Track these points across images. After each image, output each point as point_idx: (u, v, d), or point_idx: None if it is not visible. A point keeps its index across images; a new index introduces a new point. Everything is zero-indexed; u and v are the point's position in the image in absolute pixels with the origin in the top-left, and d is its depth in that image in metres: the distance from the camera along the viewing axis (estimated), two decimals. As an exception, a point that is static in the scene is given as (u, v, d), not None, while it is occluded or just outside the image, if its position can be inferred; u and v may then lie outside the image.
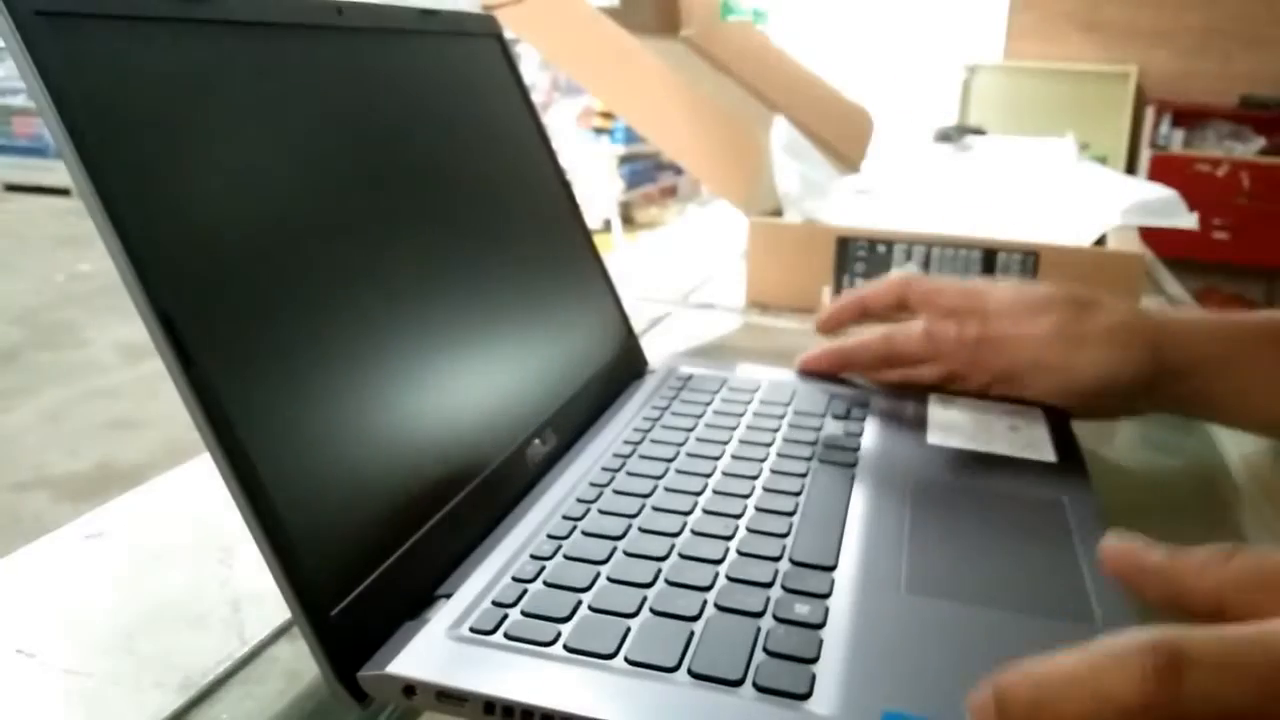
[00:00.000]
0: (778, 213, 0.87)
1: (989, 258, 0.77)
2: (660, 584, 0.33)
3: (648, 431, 0.46)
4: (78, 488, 2.17)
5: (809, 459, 0.43)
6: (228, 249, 0.31)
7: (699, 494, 0.39)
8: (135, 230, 0.28)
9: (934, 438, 0.46)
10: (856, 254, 0.80)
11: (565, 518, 0.37)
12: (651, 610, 0.31)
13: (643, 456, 0.43)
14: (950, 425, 0.47)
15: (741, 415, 0.48)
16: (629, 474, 0.41)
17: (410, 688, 0.28)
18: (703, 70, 1.14)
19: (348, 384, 0.33)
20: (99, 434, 2.44)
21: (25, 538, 0.41)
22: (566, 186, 0.54)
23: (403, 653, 0.29)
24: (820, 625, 0.31)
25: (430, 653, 0.29)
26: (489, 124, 0.50)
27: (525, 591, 0.32)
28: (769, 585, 0.33)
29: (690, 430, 0.46)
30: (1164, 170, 3.31)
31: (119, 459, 2.32)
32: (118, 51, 0.30)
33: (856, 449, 0.44)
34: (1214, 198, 3.26)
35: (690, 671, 0.28)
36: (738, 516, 0.38)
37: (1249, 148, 3.41)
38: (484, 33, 0.52)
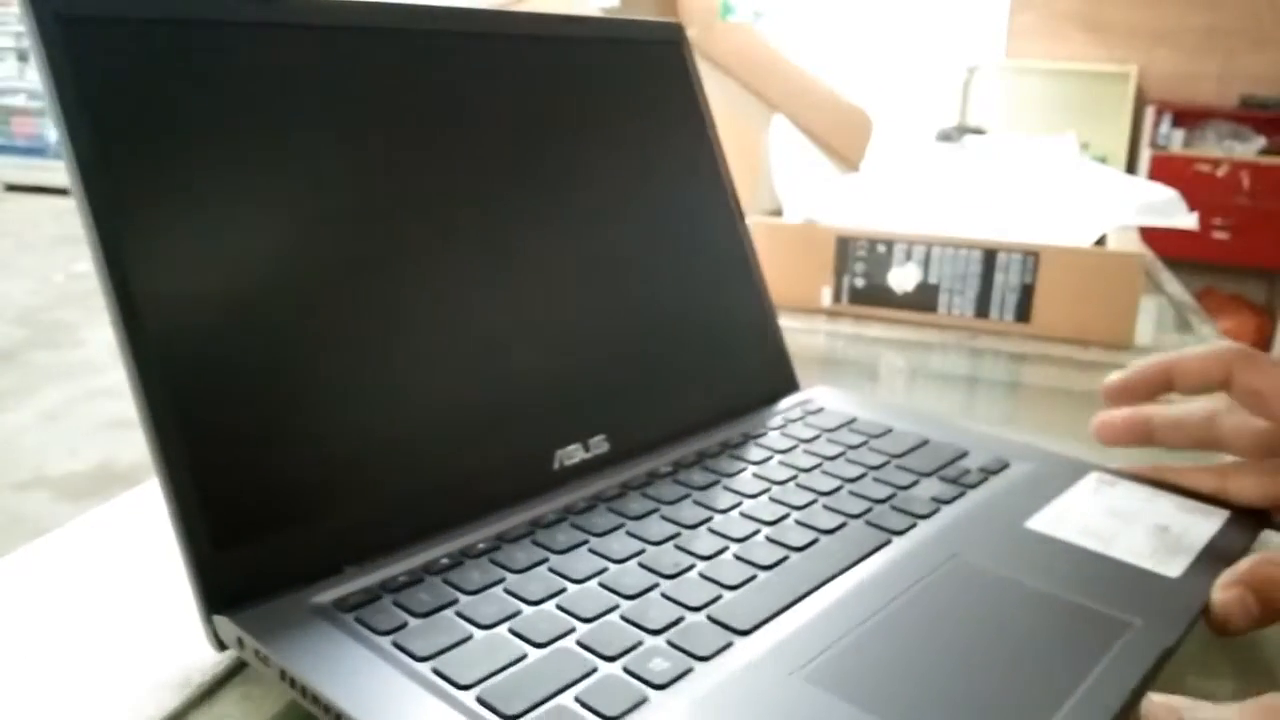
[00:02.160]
0: (778, 213, 0.87)
1: (989, 258, 0.77)
2: (548, 605, 0.32)
3: (710, 457, 0.43)
4: (78, 488, 2.17)
5: (856, 516, 0.39)
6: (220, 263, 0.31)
7: (690, 528, 0.37)
8: (123, 250, 0.29)
9: (1038, 522, 0.39)
10: (856, 254, 0.80)
11: (533, 523, 0.37)
12: (509, 629, 0.30)
13: (675, 481, 0.41)
14: (1077, 510, 0.40)
15: (833, 458, 0.44)
16: (643, 495, 0.40)
17: (241, 640, 0.30)
18: (703, 70, 1.14)
19: (329, 347, 0.34)
20: (99, 434, 2.44)
21: (25, 538, 0.41)
22: (731, 195, 0.52)
23: (259, 608, 0.30)
24: (661, 687, 0.28)
25: (277, 614, 0.30)
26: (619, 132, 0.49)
27: (419, 581, 0.33)
28: (656, 633, 0.31)
29: (756, 463, 0.43)
30: (1164, 170, 3.31)
31: (119, 459, 2.32)
32: (136, 57, 0.31)
33: (925, 516, 0.39)
34: (1214, 198, 3.26)
35: (477, 696, 0.27)
36: (705, 558, 0.35)
37: (1249, 148, 3.41)
38: (661, 40, 0.52)
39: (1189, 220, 0.81)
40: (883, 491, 0.41)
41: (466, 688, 0.28)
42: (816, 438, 0.46)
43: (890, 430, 0.48)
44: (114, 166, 0.30)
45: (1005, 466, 0.44)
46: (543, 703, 0.27)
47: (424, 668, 0.28)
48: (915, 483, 0.42)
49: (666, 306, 0.47)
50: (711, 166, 0.52)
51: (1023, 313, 0.77)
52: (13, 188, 5.45)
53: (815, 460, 0.44)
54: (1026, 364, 0.72)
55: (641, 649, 0.30)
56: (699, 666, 0.29)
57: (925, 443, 0.46)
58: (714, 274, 0.50)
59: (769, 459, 0.44)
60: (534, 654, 0.29)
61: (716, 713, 0.28)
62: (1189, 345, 0.77)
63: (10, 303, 3.39)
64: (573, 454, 0.41)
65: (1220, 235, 3.30)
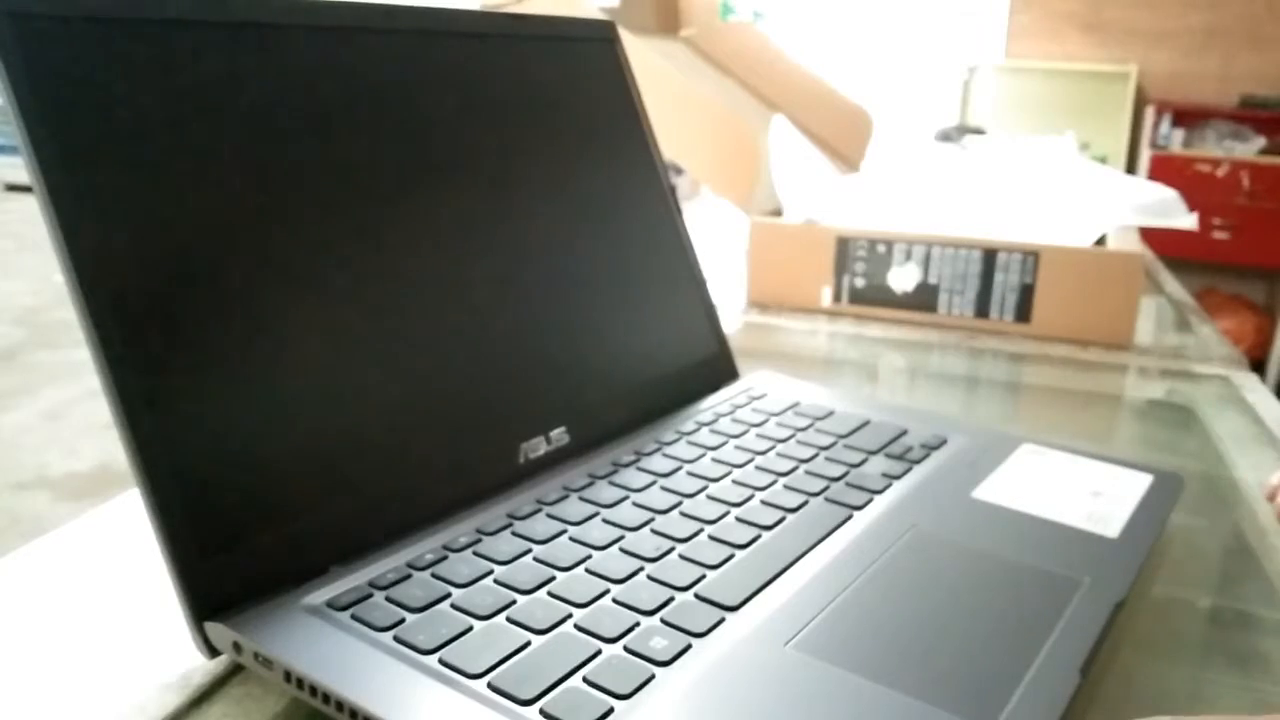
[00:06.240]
0: (778, 213, 0.87)
1: (989, 258, 0.77)
2: (540, 593, 0.32)
3: (669, 444, 0.45)
4: (78, 488, 2.17)
5: (816, 494, 0.41)
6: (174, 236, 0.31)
7: (663, 512, 0.38)
8: (83, 237, 0.30)
9: (983, 492, 0.42)
10: (856, 254, 0.80)
11: (510, 515, 0.37)
12: (507, 618, 0.31)
13: (639, 469, 0.42)
14: (1016, 480, 0.43)
15: (784, 440, 0.46)
16: (610, 483, 0.41)
17: (238, 644, 0.30)
18: (703, 70, 1.14)
19: (287, 343, 0.34)
20: (99, 434, 2.44)
21: (25, 538, 0.41)
22: (666, 189, 0.53)
23: (250, 612, 0.30)
24: (665, 663, 0.29)
25: (271, 617, 0.30)
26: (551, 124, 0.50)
27: (408, 578, 0.33)
28: (650, 613, 0.32)
29: (713, 449, 0.44)
30: (1164, 170, 3.31)
31: (119, 459, 2.32)
32: (86, 56, 0.31)
33: (879, 491, 0.41)
34: (1214, 198, 3.26)
35: (489, 683, 0.28)
36: (682, 540, 0.36)
37: (1249, 148, 3.41)
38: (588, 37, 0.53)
39: (1189, 220, 0.81)
40: (836, 470, 0.43)
41: (477, 676, 0.28)
42: (765, 422, 0.48)
43: (832, 412, 0.50)
44: (73, 163, 0.30)
45: (944, 442, 0.47)
46: (555, 686, 0.28)
47: (430, 660, 0.29)
48: (864, 460, 0.44)
49: (612, 301, 0.48)
50: (648, 163, 0.53)
51: (1023, 313, 0.77)
52: (13, 188, 5.45)
53: (768, 443, 0.46)
54: (1026, 364, 0.72)
55: (640, 629, 0.31)
56: (696, 643, 0.30)
57: (867, 423, 0.49)
58: (656, 267, 0.52)
59: (724, 444, 0.45)
60: (537, 640, 0.30)
61: (722, 685, 0.28)
62: (1189, 345, 0.77)
63: (10, 303, 3.39)
64: (536, 446, 0.42)
65: (1220, 235, 3.30)
